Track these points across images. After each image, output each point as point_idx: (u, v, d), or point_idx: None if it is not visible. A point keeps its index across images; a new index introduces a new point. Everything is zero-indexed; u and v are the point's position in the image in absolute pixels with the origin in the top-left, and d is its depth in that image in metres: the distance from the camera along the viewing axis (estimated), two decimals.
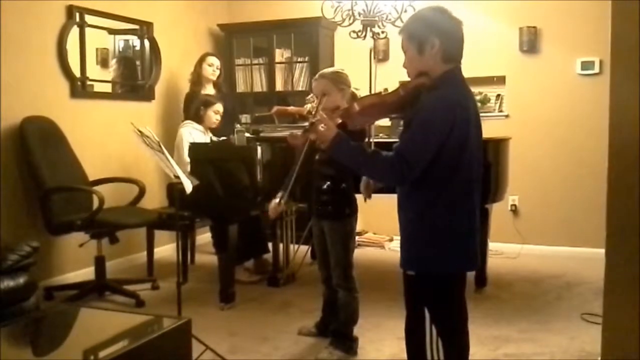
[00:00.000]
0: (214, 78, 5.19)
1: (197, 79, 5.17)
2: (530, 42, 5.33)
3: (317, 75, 3.26)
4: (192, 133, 4.70)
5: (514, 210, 5.50)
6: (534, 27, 5.32)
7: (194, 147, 3.98)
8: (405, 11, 4.35)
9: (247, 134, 3.96)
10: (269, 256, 4.71)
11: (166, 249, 5.22)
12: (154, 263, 4.75)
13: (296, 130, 2.81)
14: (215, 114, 4.81)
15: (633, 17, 2.41)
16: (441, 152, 2.13)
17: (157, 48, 5.33)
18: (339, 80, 3.15)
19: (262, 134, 3.93)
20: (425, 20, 2.24)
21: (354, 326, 3.29)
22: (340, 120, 2.32)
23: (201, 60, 5.19)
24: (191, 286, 4.48)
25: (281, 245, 4.55)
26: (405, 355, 2.39)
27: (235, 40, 5.96)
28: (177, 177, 3.11)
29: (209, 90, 5.17)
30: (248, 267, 4.72)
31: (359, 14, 4.24)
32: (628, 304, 2.53)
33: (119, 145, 4.92)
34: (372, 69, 2.39)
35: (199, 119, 4.80)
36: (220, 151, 3.95)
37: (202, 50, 5.54)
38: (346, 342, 3.24)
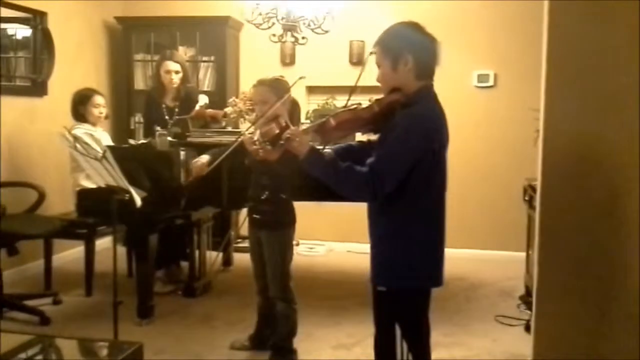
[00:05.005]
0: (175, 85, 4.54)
1: (158, 85, 4.58)
2: None
3: (256, 82, 3.20)
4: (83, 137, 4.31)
5: None
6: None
7: (111, 151, 3.68)
8: (324, 18, 4.35)
9: (169, 138, 3.75)
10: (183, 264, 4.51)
11: (61, 256, 4.82)
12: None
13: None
14: (96, 107, 4.41)
15: (570, 22, 2.47)
16: (416, 168, 2.16)
17: (51, 40, 4.89)
18: (279, 88, 3.09)
19: (189, 139, 3.74)
20: (400, 36, 2.25)
21: (294, 338, 3.24)
22: (310, 136, 2.28)
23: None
24: (97, 299, 4.13)
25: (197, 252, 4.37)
26: None
27: (134, 35, 5.62)
28: (108, 185, 2.89)
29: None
30: (159, 277, 4.45)
31: (282, 18, 4.17)
32: (558, 311, 2.69)
33: (8, 145, 4.45)
34: (357, 81, 2.35)
35: (82, 118, 4.41)
36: (139, 156, 3.70)
37: (97, 44, 5.15)
38: (287, 354, 3.19)
